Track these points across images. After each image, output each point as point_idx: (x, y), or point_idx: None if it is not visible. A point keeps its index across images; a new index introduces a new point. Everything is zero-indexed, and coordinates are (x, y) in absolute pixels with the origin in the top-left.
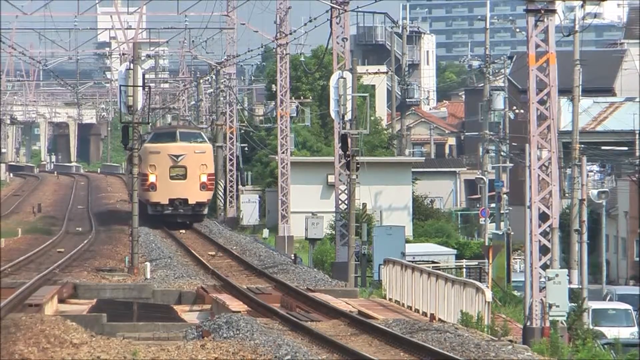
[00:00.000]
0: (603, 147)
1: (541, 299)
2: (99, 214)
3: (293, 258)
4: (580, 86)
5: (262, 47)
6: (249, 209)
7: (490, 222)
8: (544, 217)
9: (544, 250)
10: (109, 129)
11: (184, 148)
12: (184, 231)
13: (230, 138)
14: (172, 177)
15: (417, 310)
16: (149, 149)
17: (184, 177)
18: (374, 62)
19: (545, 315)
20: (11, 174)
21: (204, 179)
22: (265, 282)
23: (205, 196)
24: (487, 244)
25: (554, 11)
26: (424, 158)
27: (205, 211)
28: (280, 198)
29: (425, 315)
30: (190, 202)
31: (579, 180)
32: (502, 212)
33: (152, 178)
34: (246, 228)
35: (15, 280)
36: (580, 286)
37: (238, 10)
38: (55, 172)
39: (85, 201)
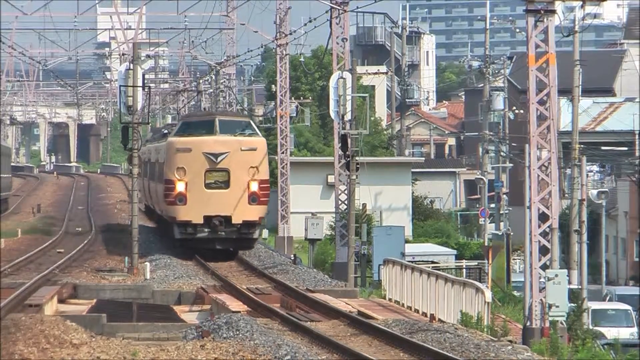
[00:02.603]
0: (603, 148)
1: (541, 300)
2: (98, 214)
3: (293, 258)
4: (580, 86)
5: (261, 47)
6: None
7: (489, 223)
8: (543, 217)
9: (543, 250)
10: (109, 129)
11: (226, 144)
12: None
13: None
14: (208, 186)
15: (416, 311)
16: (175, 145)
17: (226, 185)
18: (373, 63)
19: (545, 316)
20: (10, 175)
21: (255, 187)
22: (265, 282)
23: (256, 213)
24: (486, 244)
25: (553, 11)
26: (423, 158)
27: (257, 234)
28: (280, 198)
29: (425, 316)
30: (234, 222)
31: (579, 181)
32: (501, 212)
33: (180, 187)
34: None
35: (15, 281)
36: (580, 286)
37: (238, 11)
38: (55, 173)
39: (85, 201)
